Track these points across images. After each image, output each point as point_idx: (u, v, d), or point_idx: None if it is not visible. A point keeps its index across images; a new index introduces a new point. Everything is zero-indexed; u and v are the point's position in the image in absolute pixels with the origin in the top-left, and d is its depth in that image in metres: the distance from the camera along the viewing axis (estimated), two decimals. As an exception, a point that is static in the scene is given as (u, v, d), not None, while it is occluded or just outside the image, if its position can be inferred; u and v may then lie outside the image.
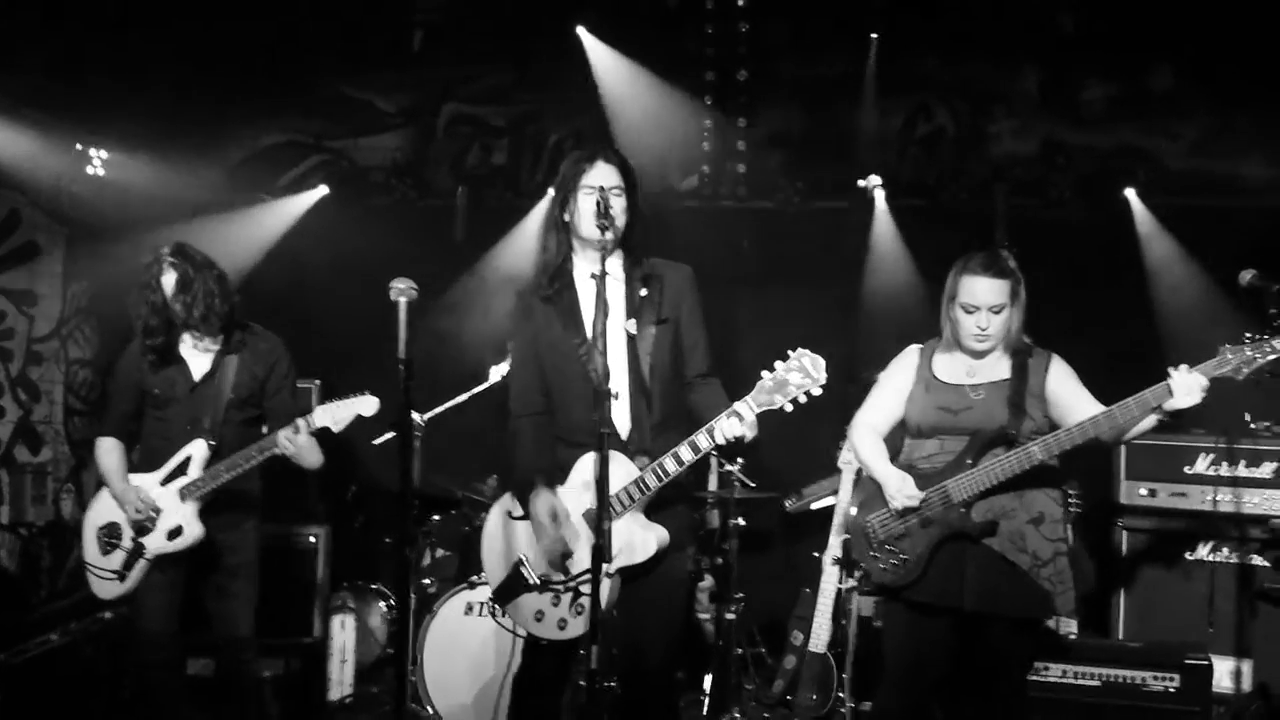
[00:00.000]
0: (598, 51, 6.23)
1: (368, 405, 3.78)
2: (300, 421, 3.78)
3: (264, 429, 4.04)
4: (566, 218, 3.28)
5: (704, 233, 6.44)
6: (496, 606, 3.39)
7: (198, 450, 3.90)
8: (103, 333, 6.29)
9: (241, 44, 6.17)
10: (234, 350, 4.00)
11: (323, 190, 6.59)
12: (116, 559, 3.95)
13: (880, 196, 6.28)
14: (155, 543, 3.90)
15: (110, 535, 3.98)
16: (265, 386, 4.03)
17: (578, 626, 3.21)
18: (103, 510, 4.02)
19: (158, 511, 3.89)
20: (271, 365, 4.04)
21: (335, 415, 3.78)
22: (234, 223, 6.39)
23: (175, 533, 3.88)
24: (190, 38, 5.97)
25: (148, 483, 3.94)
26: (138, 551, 3.91)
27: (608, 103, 6.24)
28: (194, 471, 3.89)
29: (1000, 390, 3.45)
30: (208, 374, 3.98)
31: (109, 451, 4.05)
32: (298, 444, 3.79)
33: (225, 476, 3.85)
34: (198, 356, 4.01)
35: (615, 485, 3.13)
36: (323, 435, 3.86)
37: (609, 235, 3.11)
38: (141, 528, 3.91)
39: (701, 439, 3.11)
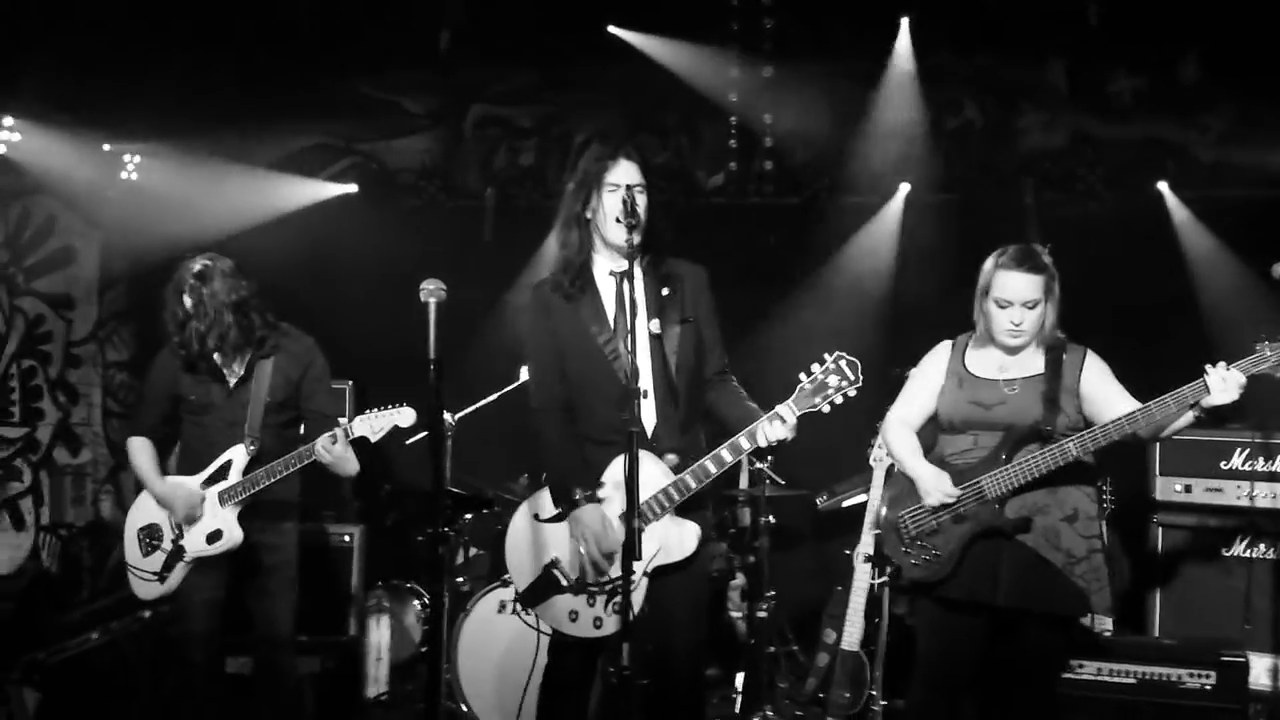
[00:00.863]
0: (638, 41, 6.21)
1: (405, 416, 3.81)
2: (338, 431, 3.80)
3: (301, 429, 4.08)
4: (589, 215, 3.26)
5: (731, 231, 6.46)
6: (523, 608, 3.40)
7: (238, 455, 3.94)
8: (140, 335, 6.37)
9: (271, 48, 6.22)
10: (268, 355, 4.02)
11: (352, 188, 6.62)
12: (157, 560, 3.99)
13: (903, 190, 6.26)
14: (195, 545, 3.94)
15: (151, 537, 4.02)
16: (300, 389, 4.05)
17: (613, 624, 3.22)
18: (144, 511, 4.07)
19: (203, 502, 3.93)
20: (306, 367, 4.06)
21: (373, 425, 3.81)
22: (266, 223, 6.46)
23: (214, 536, 3.91)
24: (220, 43, 6.03)
25: (189, 486, 3.98)
26: (178, 554, 3.96)
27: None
28: (234, 476, 3.93)
29: (1034, 385, 3.43)
30: (242, 379, 4.01)
31: (140, 450, 4.09)
32: (335, 453, 3.80)
33: (264, 482, 3.89)
34: (233, 362, 4.03)
35: (650, 485, 3.15)
36: (358, 441, 3.88)
37: (636, 235, 3.10)
38: (190, 519, 3.93)
39: (743, 440, 3.13)
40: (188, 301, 3.91)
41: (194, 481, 3.98)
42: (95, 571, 5.98)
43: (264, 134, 6.62)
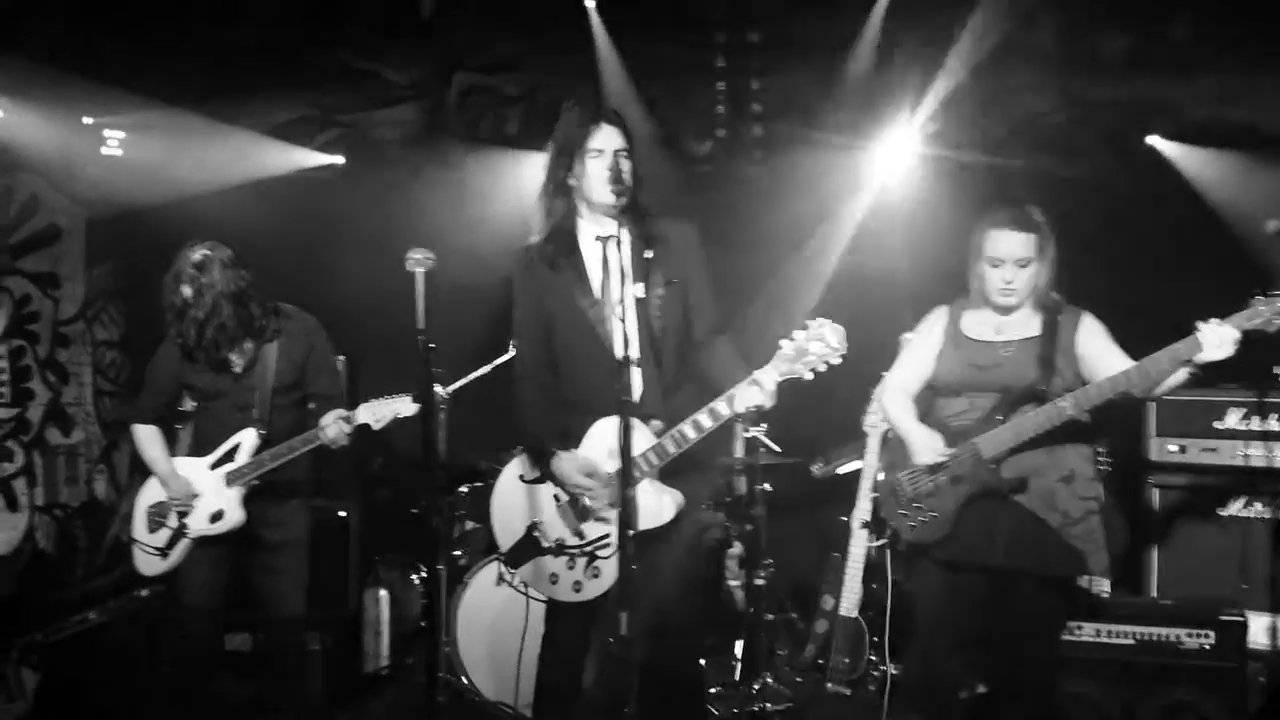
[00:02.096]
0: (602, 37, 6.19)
1: (408, 406, 3.85)
2: (341, 421, 3.88)
3: (311, 407, 4.12)
4: (572, 182, 3.23)
5: (720, 197, 6.41)
6: (507, 568, 3.41)
7: (248, 438, 3.98)
8: (128, 313, 6.32)
9: (250, 20, 6.13)
10: (272, 338, 4.04)
11: (339, 159, 6.57)
12: (162, 537, 4.05)
13: (897, 156, 6.22)
14: (197, 524, 4.00)
15: (158, 514, 4.08)
16: (306, 371, 4.09)
17: (594, 589, 3.23)
18: (153, 489, 4.13)
19: (195, 496, 3.99)
20: (309, 349, 4.10)
21: (376, 413, 3.89)
22: (251, 195, 6.40)
23: (217, 516, 3.97)
24: (198, 15, 5.94)
25: (198, 467, 4.03)
26: (181, 531, 4.01)
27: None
28: (241, 458, 3.97)
29: (1030, 347, 3.42)
30: (249, 364, 4.03)
31: (151, 441, 4.12)
32: (339, 441, 3.90)
33: (269, 465, 3.94)
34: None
35: (632, 450, 3.12)
36: (359, 427, 3.94)
37: (624, 200, 3.07)
38: (183, 509, 4.00)
39: (721, 406, 3.11)
40: (186, 291, 3.90)
41: (202, 465, 4.02)
42: (91, 551, 5.96)
43: (246, 107, 6.54)
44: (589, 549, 3.23)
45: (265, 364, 4.01)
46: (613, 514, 3.16)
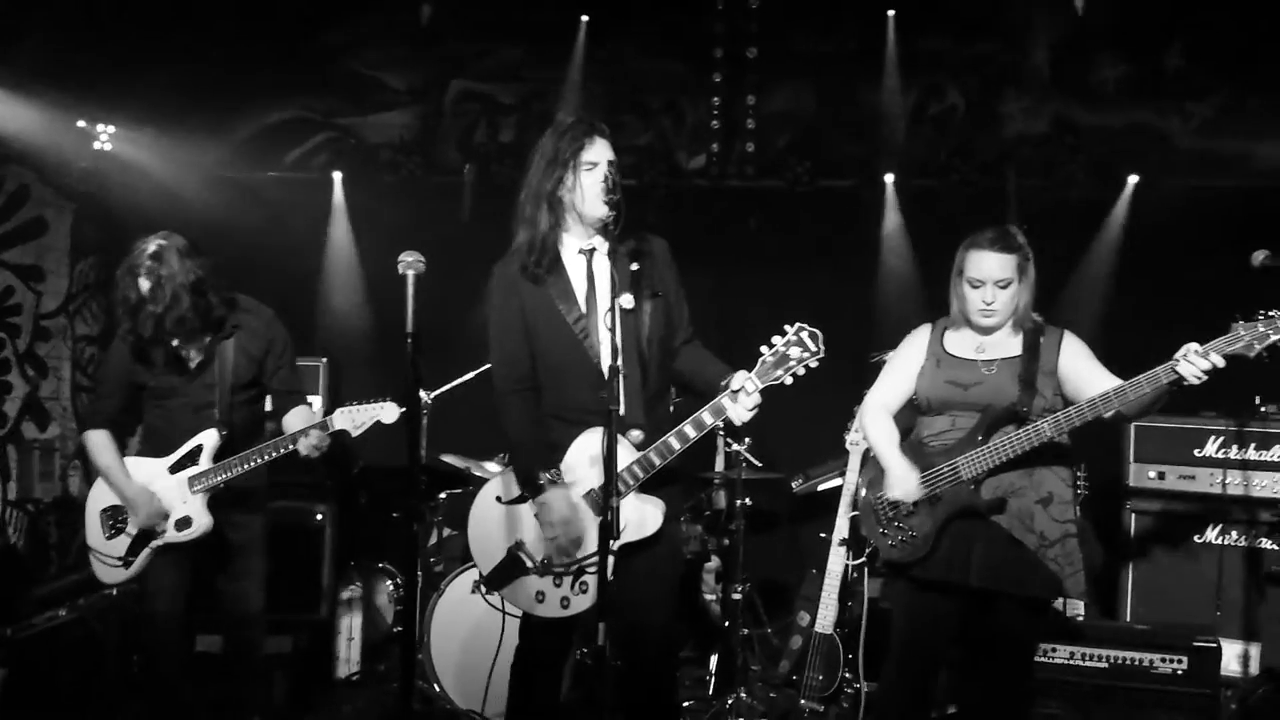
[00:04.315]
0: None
1: (389, 413, 3.72)
2: (316, 430, 3.72)
3: (267, 405, 4.00)
4: (563, 193, 3.21)
5: (712, 212, 6.42)
6: (487, 591, 3.36)
7: (209, 440, 3.82)
8: (110, 309, 6.29)
9: (250, 19, 6.14)
10: (228, 334, 3.87)
11: (337, 175, 6.56)
12: (121, 544, 3.87)
13: (889, 178, 6.25)
14: (163, 533, 3.83)
15: (115, 518, 3.90)
16: (264, 365, 3.93)
17: (582, 603, 3.21)
18: (106, 492, 3.93)
19: (167, 517, 3.82)
20: (268, 343, 3.93)
21: (354, 419, 3.74)
22: (240, 197, 6.39)
23: (184, 524, 3.81)
24: (198, 12, 5.95)
25: (156, 469, 3.86)
26: (144, 538, 3.84)
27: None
28: (204, 462, 3.82)
29: (1011, 366, 3.43)
30: (203, 360, 3.87)
31: (104, 449, 3.91)
32: (317, 448, 3.73)
33: (238, 470, 3.79)
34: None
35: (617, 461, 3.11)
36: (337, 434, 3.79)
37: (615, 212, 3.08)
38: (149, 526, 3.83)
39: (707, 416, 3.11)
40: (144, 284, 3.70)
41: (160, 467, 3.86)
42: (63, 547, 5.92)
43: (242, 106, 6.54)
44: (577, 567, 3.20)
45: (223, 361, 3.84)
46: (582, 547, 3.14)
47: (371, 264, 6.53)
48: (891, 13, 6.10)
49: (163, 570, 3.85)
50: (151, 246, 3.74)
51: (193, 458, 3.83)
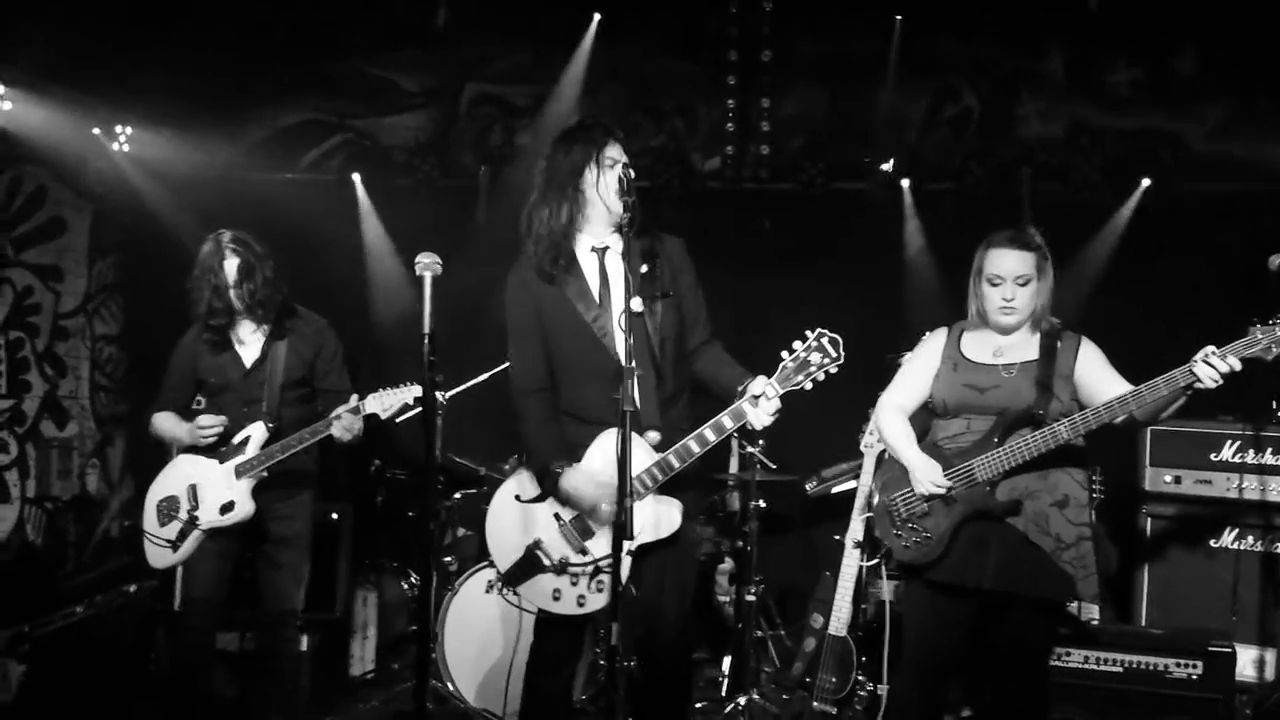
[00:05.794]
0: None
1: (415, 393, 3.89)
2: (350, 409, 3.92)
3: (319, 406, 4.16)
4: (583, 190, 3.23)
5: (726, 214, 6.43)
6: (505, 589, 3.38)
7: (257, 431, 4.03)
8: (129, 309, 6.33)
9: (265, 22, 6.17)
10: (283, 335, 4.13)
11: (356, 176, 6.59)
12: (172, 529, 4.07)
13: (905, 182, 6.25)
14: (208, 516, 4.02)
15: (170, 507, 4.10)
16: (315, 368, 4.17)
17: (597, 602, 3.21)
18: (165, 484, 4.15)
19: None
20: (319, 347, 4.19)
21: (384, 403, 3.94)
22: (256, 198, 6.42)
23: (228, 508, 4.00)
24: (214, 14, 5.98)
25: (207, 460, 4.07)
26: (192, 523, 4.03)
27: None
28: (251, 450, 4.02)
29: (1028, 371, 3.43)
30: (259, 359, 4.11)
31: (166, 417, 4.20)
32: (351, 430, 3.94)
33: (279, 456, 3.99)
34: (249, 343, 4.14)
35: (635, 466, 3.10)
36: (367, 418, 3.97)
37: (630, 211, 3.08)
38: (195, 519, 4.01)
39: (726, 420, 3.12)
40: (233, 263, 3.99)
41: (211, 459, 4.06)
42: (81, 545, 5.96)
43: (256, 108, 6.58)
44: (595, 566, 3.21)
45: (275, 360, 4.09)
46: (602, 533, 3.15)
47: (387, 265, 6.54)
48: (899, 18, 6.09)
49: (206, 557, 4.04)
50: (229, 233, 4.06)
51: (241, 448, 4.04)
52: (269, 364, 4.09)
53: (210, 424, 4.02)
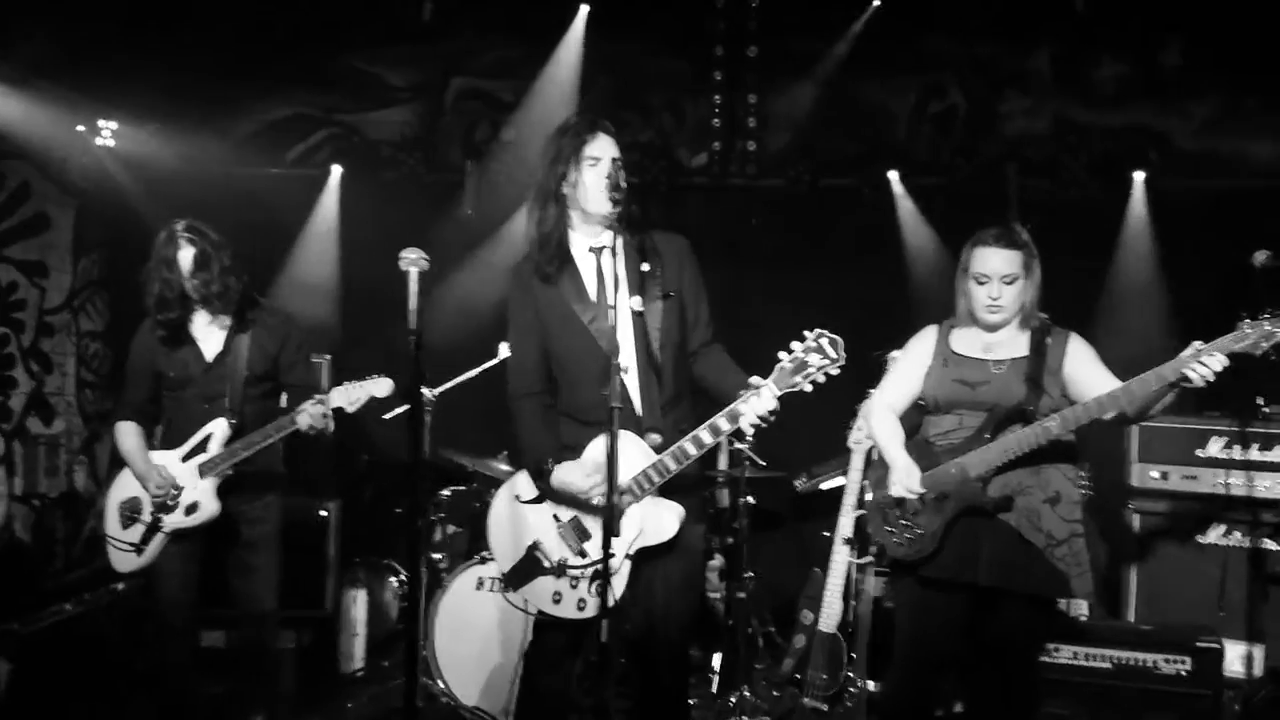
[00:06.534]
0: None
1: (382, 387, 3.82)
2: (312, 404, 3.81)
3: (283, 400, 4.06)
4: (565, 190, 3.20)
5: (713, 211, 6.42)
6: (507, 590, 3.36)
7: (218, 428, 3.93)
8: (114, 305, 6.29)
9: (252, 17, 6.13)
10: (246, 328, 4.00)
11: (335, 170, 6.56)
12: (135, 533, 3.98)
13: (894, 177, 6.25)
14: (173, 518, 3.94)
15: (131, 510, 4.02)
16: (279, 361, 4.05)
17: (596, 606, 3.18)
18: (125, 486, 4.06)
19: (179, 489, 3.92)
20: (283, 339, 4.06)
21: (350, 396, 3.81)
22: (241, 192, 6.39)
23: (192, 508, 3.91)
24: (202, 10, 5.94)
25: (169, 459, 3.97)
26: (155, 526, 3.95)
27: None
28: (213, 448, 3.92)
29: (1018, 367, 3.44)
30: (221, 353, 3.99)
31: (128, 435, 4.07)
32: (315, 423, 3.82)
33: (242, 454, 3.89)
34: (209, 336, 4.02)
35: (631, 467, 3.11)
36: (334, 412, 3.87)
37: (619, 209, 3.03)
38: (163, 505, 3.93)
39: (722, 422, 3.08)
40: (188, 254, 3.88)
41: (173, 457, 3.96)
42: (69, 542, 5.92)
43: (243, 102, 6.54)
44: (594, 569, 3.19)
45: (238, 354, 3.97)
46: (623, 523, 3.12)
47: (372, 260, 6.51)
48: (876, 2, 6.06)
49: (172, 559, 3.95)
50: (182, 224, 3.93)
51: (204, 446, 3.94)
52: (231, 357, 3.96)
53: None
